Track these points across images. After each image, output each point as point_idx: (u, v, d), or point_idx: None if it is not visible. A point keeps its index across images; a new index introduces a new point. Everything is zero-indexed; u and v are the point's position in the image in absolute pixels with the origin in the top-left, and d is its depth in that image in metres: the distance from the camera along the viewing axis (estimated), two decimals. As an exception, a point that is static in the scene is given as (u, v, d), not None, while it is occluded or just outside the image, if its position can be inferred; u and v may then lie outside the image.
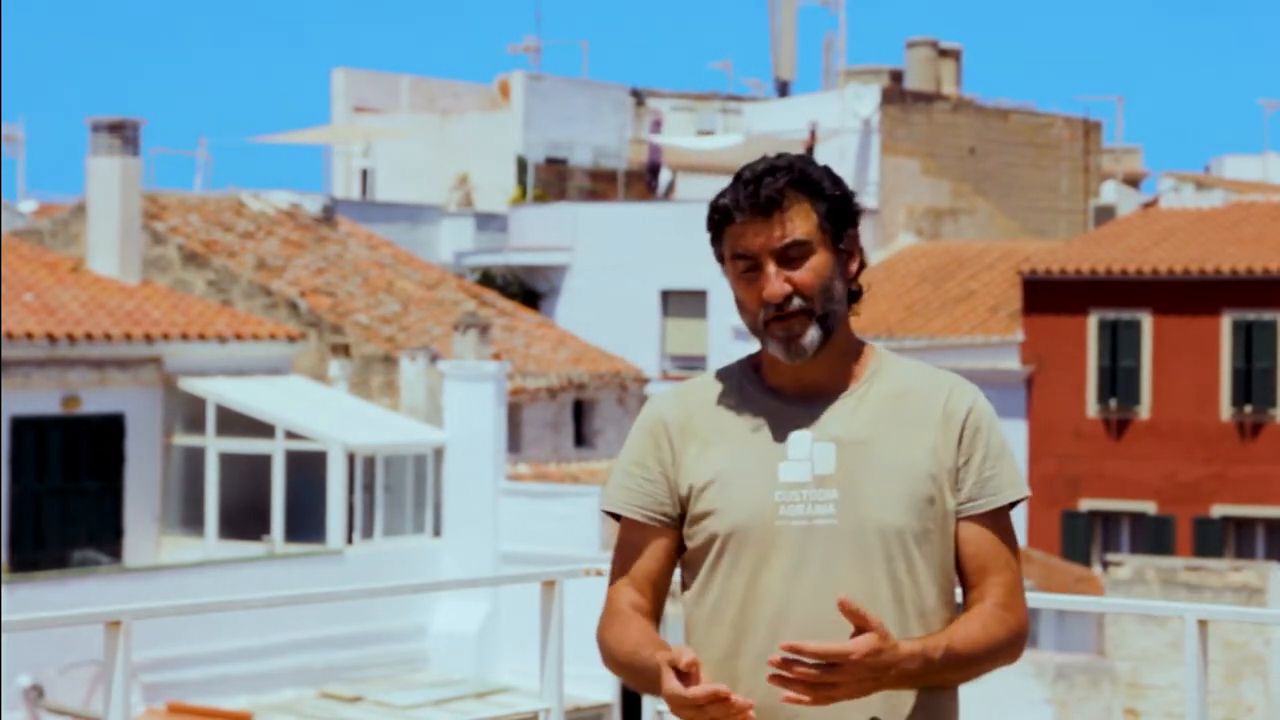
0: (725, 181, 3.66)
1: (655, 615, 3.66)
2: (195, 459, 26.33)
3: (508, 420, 27.21)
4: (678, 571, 3.69)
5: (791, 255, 3.53)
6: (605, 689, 24.63)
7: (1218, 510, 31.71)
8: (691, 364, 36.59)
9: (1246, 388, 31.64)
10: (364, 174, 45.88)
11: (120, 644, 4.70)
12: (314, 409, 26.50)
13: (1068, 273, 32.89)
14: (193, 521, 26.36)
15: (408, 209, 40.71)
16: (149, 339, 26.02)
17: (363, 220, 35.78)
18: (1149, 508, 32.13)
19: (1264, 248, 32.12)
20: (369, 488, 25.81)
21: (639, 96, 47.59)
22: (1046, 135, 43.49)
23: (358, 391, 28.20)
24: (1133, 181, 47.78)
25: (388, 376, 28.30)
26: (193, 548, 25.96)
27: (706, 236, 3.61)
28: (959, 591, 3.68)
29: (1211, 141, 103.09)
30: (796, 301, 3.52)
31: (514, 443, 28.33)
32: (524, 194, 42.71)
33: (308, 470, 25.65)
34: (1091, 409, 32.65)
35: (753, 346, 3.68)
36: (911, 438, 3.58)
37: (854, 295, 3.62)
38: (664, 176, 44.79)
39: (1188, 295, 32.03)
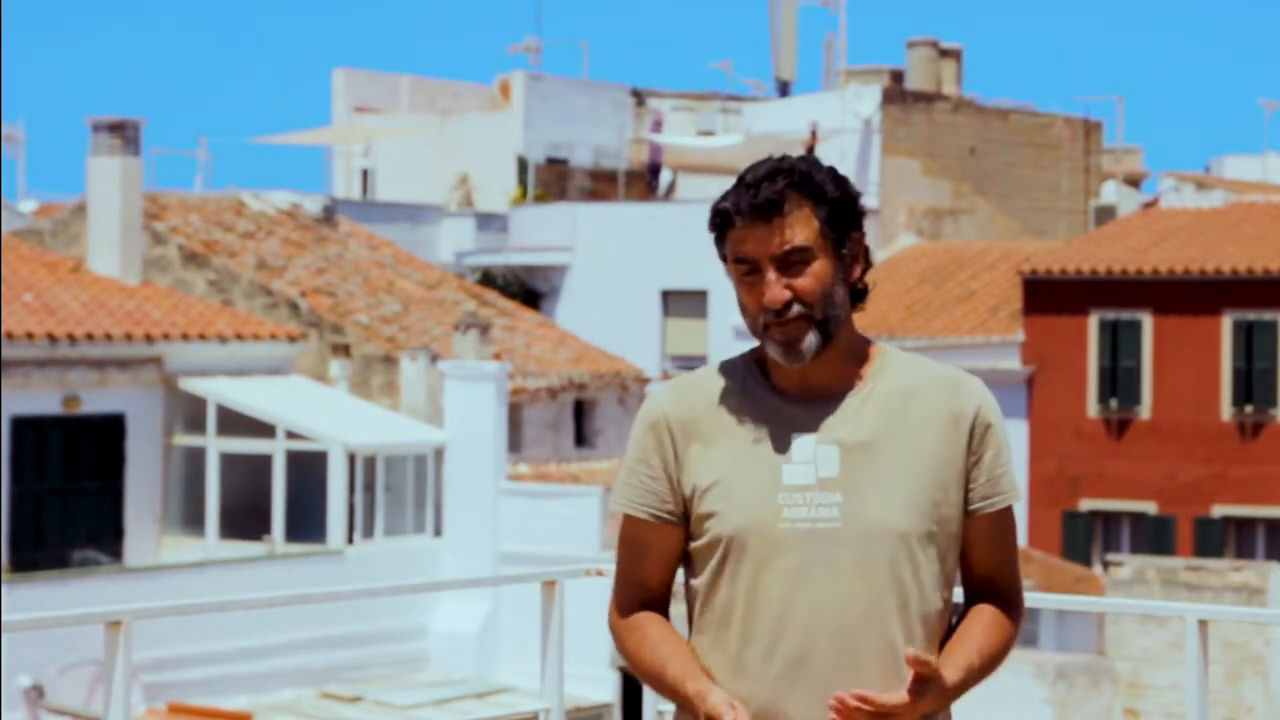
0: (726, 181, 3.64)
1: (662, 613, 3.64)
2: (196, 459, 26.32)
3: (508, 420, 27.20)
4: (678, 572, 3.68)
5: (792, 261, 3.50)
6: (605, 689, 24.63)
7: (1218, 510, 31.69)
8: (692, 364, 36.57)
9: (1247, 388, 31.62)
10: (364, 174, 45.85)
11: (120, 644, 4.69)
12: (314, 409, 26.50)
13: (1068, 273, 32.87)
14: (193, 521, 26.36)
15: (408, 209, 40.69)
16: (149, 339, 26.01)
17: (363, 220, 35.76)
18: (1149, 508, 32.11)
19: (1264, 248, 32.10)
20: (369, 488, 25.81)
21: (639, 96, 47.55)
22: (1047, 135, 43.46)
23: (358, 391, 28.19)
24: (1133, 181, 47.76)
25: (388, 376, 28.29)
26: (193, 548, 25.96)
27: (709, 236, 3.58)
28: (959, 591, 3.68)
29: (1211, 141, 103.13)
30: (796, 308, 3.49)
31: (514, 443, 28.32)
32: (524, 194, 42.67)
33: (308, 470, 25.64)
34: (1092, 409, 32.63)
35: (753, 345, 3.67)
36: (917, 439, 3.55)
37: (859, 294, 3.58)
38: (664, 176, 44.74)
39: (1188, 295, 32.01)
